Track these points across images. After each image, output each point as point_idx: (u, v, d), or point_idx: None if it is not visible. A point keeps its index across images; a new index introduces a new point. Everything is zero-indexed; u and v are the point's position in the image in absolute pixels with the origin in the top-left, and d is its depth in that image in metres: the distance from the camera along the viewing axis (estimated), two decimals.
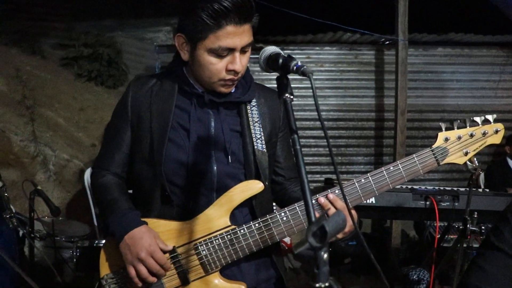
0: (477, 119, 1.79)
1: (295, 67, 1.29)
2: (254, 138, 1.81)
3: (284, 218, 1.73)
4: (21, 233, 3.30)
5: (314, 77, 1.24)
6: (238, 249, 1.73)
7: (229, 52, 1.65)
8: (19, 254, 3.27)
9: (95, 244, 3.43)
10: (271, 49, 1.42)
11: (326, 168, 6.50)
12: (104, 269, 1.82)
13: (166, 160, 1.76)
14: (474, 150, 1.79)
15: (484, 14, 6.97)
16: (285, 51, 1.48)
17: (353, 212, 1.53)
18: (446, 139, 1.77)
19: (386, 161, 6.55)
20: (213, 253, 1.74)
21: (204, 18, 1.59)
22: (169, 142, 1.77)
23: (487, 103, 6.58)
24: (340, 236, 1.65)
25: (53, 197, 5.19)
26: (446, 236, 3.77)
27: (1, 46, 6.63)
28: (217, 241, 1.74)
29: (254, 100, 1.86)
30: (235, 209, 1.77)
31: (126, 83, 6.60)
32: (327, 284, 0.81)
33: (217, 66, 1.67)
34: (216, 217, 1.75)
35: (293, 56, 1.37)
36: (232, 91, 1.81)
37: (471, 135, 1.77)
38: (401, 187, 3.31)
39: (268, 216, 1.73)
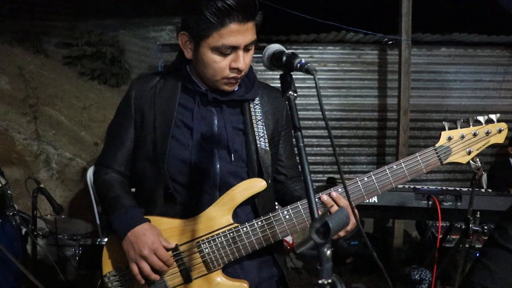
0: (481, 118, 1.79)
1: (299, 65, 1.29)
2: (257, 137, 1.82)
3: (287, 217, 1.73)
4: (23, 231, 3.31)
5: (317, 76, 1.24)
6: (241, 247, 1.73)
7: (232, 50, 1.65)
8: (22, 252, 3.27)
9: (97, 242, 3.43)
10: (274, 47, 1.42)
11: (329, 167, 6.49)
12: (107, 267, 1.82)
13: (169, 158, 1.76)
14: (477, 149, 1.79)
15: (488, 14, 6.96)
16: (288, 51, 1.47)
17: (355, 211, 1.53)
18: (449, 138, 1.77)
19: (389, 161, 6.54)
20: (215, 251, 1.74)
21: (207, 16, 1.59)
22: (172, 140, 1.77)
23: (491, 104, 6.56)
24: (342, 234, 1.66)
25: (56, 195, 5.20)
26: (448, 236, 3.76)
27: (4, 45, 6.64)
28: (219, 239, 1.74)
29: (257, 99, 1.87)
30: (237, 207, 1.77)
31: (129, 82, 6.59)
32: (330, 281, 0.81)
33: (220, 64, 1.67)
34: (218, 215, 1.75)
35: None
36: (236, 89, 1.81)
37: (474, 134, 1.77)
38: (404, 186, 3.31)
39: (270, 215, 1.74)
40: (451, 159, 1.78)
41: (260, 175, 1.80)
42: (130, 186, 1.93)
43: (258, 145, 1.81)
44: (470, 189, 3.00)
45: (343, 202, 1.69)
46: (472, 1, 7.30)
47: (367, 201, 2.75)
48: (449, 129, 1.78)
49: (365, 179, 1.73)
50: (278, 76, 1.34)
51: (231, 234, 1.73)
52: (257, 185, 1.77)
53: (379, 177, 1.74)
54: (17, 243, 2.97)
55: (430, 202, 3.13)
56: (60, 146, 5.72)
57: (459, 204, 3.13)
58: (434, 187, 3.34)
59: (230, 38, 1.62)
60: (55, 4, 7.06)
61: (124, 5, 7.23)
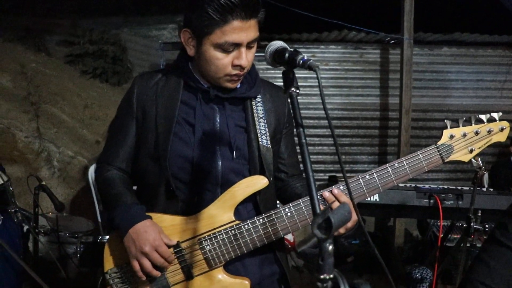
0: (483, 116, 1.79)
1: (301, 61, 1.29)
2: (259, 134, 1.82)
3: (289, 214, 1.73)
4: (25, 228, 3.31)
5: (319, 72, 1.24)
6: (242, 244, 1.73)
7: (235, 47, 1.65)
8: (23, 249, 3.28)
9: (98, 240, 3.43)
10: (277, 43, 1.42)
11: (330, 166, 6.49)
12: (108, 264, 1.82)
13: (171, 155, 1.76)
14: (479, 148, 1.79)
15: (490, 14, 6.95)
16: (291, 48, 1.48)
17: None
18: (451, 136, 1.77)
19: (390, 161, 6.53)
20: (217, 248, 1.74)
21: (210, 13, 1.59)
22: (174, 137, 1.77)
23: (492, 103, 6.56)
24: (342, 231, 1.66)
25: (57, 193, 5.20)
26: (449, 236, 3.76)
27: (7, 42, 6.65)
28: (221, 236, 1.74)
29: (259, 96, 1.87)
30: (239, 205, 1.77)
31: (131, 80, 6.59)
32: (331, 276, 0.81)
33: (223, 61, 1.67)
34: (220, 212, 1.75)
35: None
36: (238, 86, 1.81)
37: (476, 133, 1.77)
38: (405, 185, 3.31)
39: (272, 212, 1.74)
40: (452, 157, 1.77)
41: (262, 172, 1.80)
42: (131, 183, 1.93)
43: (260, 143, 1.81)
44: (472, 188, 3.00)
45: (345, 199, 1.69)
46: (474, 1, 7.29)
47: (369, 199, 2.76)
48: (451, 127, 1.78)
49: (367, 176, 1.74)
50: (280, 75, 1.34)
51: (233, 231, 1.73)
52: (258, 182, 1.77)
53: (381, 175, 1.74)
54: (18, 240, 2.97)
55: (431, 201, 3.12)
56: (62, 144, 5.72)
57: (460, 203, 3.13)
58: (435, 186, 3.34)
59: (232, 35, 1.61)
60: (57, 2, 7.07)
61: (126, 4, 7.24)
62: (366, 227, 5.81)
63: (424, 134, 6.62)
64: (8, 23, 6.83)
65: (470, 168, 6.29)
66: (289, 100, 1.30)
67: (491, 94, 6.65)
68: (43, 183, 3.36)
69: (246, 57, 1.67)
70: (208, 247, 1.74)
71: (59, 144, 5.74)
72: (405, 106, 5.74)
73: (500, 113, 1.80)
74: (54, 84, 6.26)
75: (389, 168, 1.74)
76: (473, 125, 1.78)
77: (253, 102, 1.85)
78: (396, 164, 1.74)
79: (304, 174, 1.58)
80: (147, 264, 1.68)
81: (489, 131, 1.78)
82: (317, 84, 1.15)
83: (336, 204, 1.70)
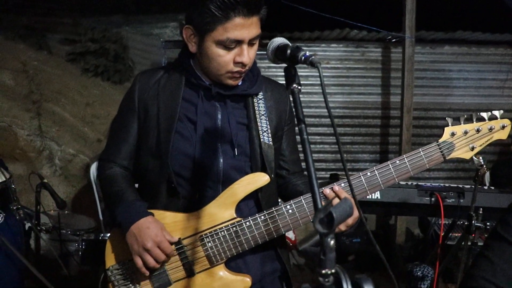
0: (484, 114, 1.79)
1: (303, 57, 1.29)
2: (260, 131, 1.82)
3: (290, 211, 1.73)
4: (27, 226, 3.32)
5: (321, 68, 1.24)
6: (244, 241, 1.74)
7: (237, 44, 1.65)
8: (25, 247, 3.29)
9: (100, 238, 3.44)
10: (279, 40, 1.43)
11: (332, 165, 6.49)
12: (110, 260, 1.83)
13: (173, 152, 1.77)
14: (481, 145, 1.79)
15: (492, 12, 6.93)
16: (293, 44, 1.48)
17: None
18: (453, 134, 1.77)
19: (391, 159, 6.53)
20: (218, 245, 1.74)
21: (212, 9, 1.59)
22: (176, 134, 1.77)
23: (494, 102, 6.55)
24: (343, 228, 1.66)
25: (59, 191, 5.20)
26: (451, 234, 3.76)
27: (8, 41, 6.65)
28: (222, 233, 1.74)
29: (261, 93, 1.87)
30: (240, 202, 1.78)
31: (132, 78, 6.59)
32: (333, 271, 0.81)
33: (224, 58, 1.67)
34: (221, 209, 1.76)
35: None
36: (239, 83, 1.81)
37: (478, 130, 1.77)
38: (406, 183, 3.32)
39: (273, 209, 1.74)
40: (454, 154, 1.78)
41: (263, 169, 1.81)
42: (133, 180, 1.93)
43: (262, 140, 1.81)
44: (473, 186, 3.00)
45: (345, 195, 1.69)
46: None
47: (370, 197, 2.76)
48: (452, 125, 1.78)
49: (368, 173, 1.74)
50: (281, 74, 1.34)
51: (234, 228, 1.74)
52: (260, 179, 1.77)
53: (382, 172, 1.74)
54: (20, 237, 2.97)
55: (433, 199, 3.12)
56: (63, 142, 5.73)
57: (461, 201, 3.12)
58: (437, 184, 3.34)
59: (234, 32, 1.62)
60: (59, 0, 7.06)
61: (127, 2, 7.23)
62: (367, 226, 5.81)
63: (425, 132, 6.61)
64: (9, 21, 6.83)
65: (471, 167, 6.29)
66: (291, 96, 1.30)
67: (492, 92, 6.64)
68: (45, 180, 3.36)
69: (247, 54, 1.67)
70: (209, 244, 1.75)
71: (61, 142, 5.74)
72: (406, 104, 5.73)
73: (502, 111, 1.80)
74: (55, 83, 6.26)
75: (390, 165, 1.74)
76: (474, 122, 1.79)
77: (254, 99, 1.85)
78: (398, 161, 1.75)
79: (305, 171, 1.59)
80: (149, 260, 1.68)
81: (491, 129, 1.78)
82: (318, 82, 1.15)
83: (336, 201, 1.70)
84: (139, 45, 7.24)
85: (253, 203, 1.85)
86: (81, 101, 6.25)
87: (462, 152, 1.78)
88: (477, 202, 2.96)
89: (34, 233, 3.38)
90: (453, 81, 6.64)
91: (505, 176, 5.37)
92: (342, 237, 5.00)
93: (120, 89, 6.71)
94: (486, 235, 2.99)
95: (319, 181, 1.12)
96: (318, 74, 1.19)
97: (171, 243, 1.73)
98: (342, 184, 1.73)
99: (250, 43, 1.68)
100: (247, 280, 1.77)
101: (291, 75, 1.29)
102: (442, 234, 3.45)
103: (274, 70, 6.00)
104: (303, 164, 1.40)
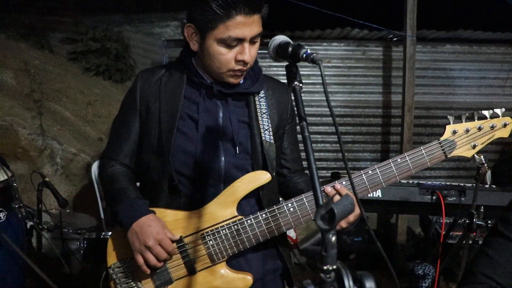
0: (485, 112, 1.79)
1: (304, 55, 1.30)
2: (262, 129, 1.82)
3: (291, 209, 1.73)
4: (28, 225, 3.32)
5: (322, 66, 1.25)
6: (245, 239, 1.74)
7: (238, 42, 1.66)
8: (27, 246, 3.29)
9: (102, 236, 3.44)
10: (280, 37, 1.43)
11: (333, 164, 6.49)
12: (112, 259, 1.83)
13: (175, 150, 1.77)
14: (482, 144, 1.79)
15: (493, 11, 6.93)
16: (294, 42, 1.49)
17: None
18: (454, 132, 1.77)
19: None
20: (219, 243, 1.75)
21: (214, 7, 1.59)
22: (178, 132, 1.78)
23: (495, 101, 6.54)
24: (344, 225, 1.66)
25: (60, 190, 5.19)
26: (452, 233, 3.76)
27: (10, 40, 6.65)
28: (224, 231, 1.74)
29: (262, 92, 1.87)
30: (242, 200, 1.78)
31: (134, 77, 6.60)
32: (334, 267, 0.82)
33: (226, 57, 1.67)
34: (223, 207, 1.76)
35: None
36: (241, 82, 1.81)
37: (479, 128, 1.77)
38: (408, 181, 3.31)
39: (275, 207, 1.74)
40: (455, 152, 1.77)
41: (265, 168, 1.81)
42: (135, 178, 1.94)
43: (263, 138, 1.81)
44: (474, 184, 3.00)
45: (347, 192, 1.69)
46: None
47: (371, 195, 2.76)
48: (454, 123, 1.78)
49: (370, 172, 1.74)
50: (283, 72, 1.34)
51: (235, 226, 1.74)
52: (261, 177, 1.77)
53: (383, 170, 1.74)
54: (22, 236, 2.98)
55: (434, 197, 3.12)
56: (65, 142, 5.73)
57: (463, 199, 3.12)
58: (438, 183, 3.34)
59: (236, 30, 1.62)
60: (60, 0, 7.07)
61: (129, 1, 7.24)
62: (369, 224, 5.81)
63: (426, 131, 6.60)
64: (11, 20, 6.84)
65: (472, 166, 6.28)
66: (292, 94, 1.30)
67: (494, 91, 6.63)
68: (47, 179, 3.37)
69: (249, 53, 1.67)
70: (211, 242, 1.75)
71: (62, 141, 5.74)
72: (407, 103, 5.73)
73: (503, 109, 1.81)
74: (57, 82, 6.27)
75: (391, 163, 1.74)
76: (476, 121, 1.78)
77: (256, 98, 1.85)
78: (399, 160, 1.75)
79: (307, 170, 1.59)
80: (151, 258, 1.68)
81: (492, 127, 1.78)
82: (320, 81, 1.15)
83: (338, 198, 1.70)
84: (140, 44, 7.24)
85: (255, 201, 1.85)
86: (83, 100, 6.25)
87: (463, 150, 1.78)
88: (478, 200, 2.95)
89: (36, 231, 3.38)
90: (454, 80, 6.63)
91: (507, 175, 5.37)
92: (343, 236, 5.00)
93: (121, 88, 6.72)
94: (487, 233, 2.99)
95: (320, 180, 1.12)
96: (319, 73, 1.19)
97: (173, 241, 1.73)
98: (344, 182, 1.73)
99: (252, 41, 1.68)
100: (249, 278, 1.78)
101: (292, 73, 1.29)
102: (443, 232, 3.44)
103: (275, 69, 5.99)
104: (304, 162, 1.41)
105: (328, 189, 1.71)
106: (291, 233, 5.15)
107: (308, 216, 1.73)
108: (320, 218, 0.80)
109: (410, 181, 3.33)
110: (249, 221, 1.74)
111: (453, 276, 4.05)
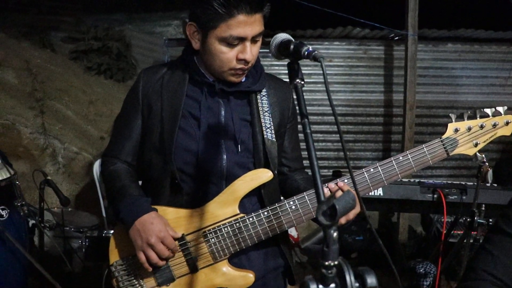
0: (488, 110, 1.79)
1: (306, 53, 1.30)
2: (263, 128, 1.82)
3: (293, 207, 1.74)
4: (31, 223, 3.33)
5: (324, 64, 1.25)
6: (247, 237, 1.74)
7: (240, 41, 1.66)
8: (29, 244, 3.30)
9: (103, 234, 3.45)
10: (282, 35, 1.43)
11: (334, 162, 6.49)
12: (114, 256, 1.83)
13: (176, 148, 1.77)
14: (484, 142, 1.79)
15: (494, 10, 6.92)
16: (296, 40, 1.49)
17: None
18: (456, 130, 1.77)
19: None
20: (221, 241, 1.75)
21: (215, 6, 1.59)
22: (180, 130, 1.78)
23: (497, 100, 6.53)
24: (343, 221, 1.66)
25: (62, 189, 5.17)
26: (453, 232, 3.75)
27: (12, 39, 6.67)
28: (225, 229, 1.75)
29: (264, 90, 1.87)
30: (244, 198, 1.78)
31: (135, 76, 6.60)
32: (336, 262, 0.82)
33: (227, 55, 1.68)
34: (225, 205, 1.76)
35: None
36: (243, 80, 1.81)
37: (481, 126, 1.77)
38: (409, 180, 3.32)
39: (277, 205, 1.74)
40: (457, 151, 1.77)
41: (267, 166, 1.81)
42: (137, 176, 1.94)
43: (265, 136, 1.82)
44: (476, 183, 2.99)
45: (348, 189, 1.69)
46: None
47: (373, 193, 2.75)
48: (456, 121, 1.78)
49: (371, 169, 1.74)
50: (284, 72, 1.34)
51: (237, 224, 1.74)
52: (263, 175, 1.77)
53: (385, 168, 1.74)
54: (25, 234, 2.98)
55: (435, 196, 3.12)
56: (67, 140, 5.73)
57: (464, 197, 3.12)
58: (439, 181, 3.34)
59: (237, 29, 1.62)
60: None
61: (130, 0, 7.25)
62: (370, 222, 5.81)
63: (428, 130, 6.60)
64: (13, 20, 6.85)
65: (474, 165, 6.28)
66: (293, 92, 1.30)
67: (495, 90, 6.62)
68: (49, 178, 3.37)
69: (250, 51, 1.68)
70: (212, 240, 1.75)
71: (64, 140, 5.75)
72: (409, 102, 5.73)
73: (506, 107, 1.81)
74: (59, 81, 6.28)
75: (393, 161, 1.74)
76: (478, 119, 1.78)
77: (258, 96, 1.85)
78: (401, 158, 1.75)
79: (308, 168, 1.59)
80: (153, 255, 1.69)
81: (494, 125, 1.78)
82: (321, 80, 1.16)
83: (339, 193, 1.70)
84: (142, 43, 7.25)
85: (256, 199, 1.86)
86: (84, 99, 6.26)
87: (465, 149, 1.78)
88: (479, 199, 2.95)
89: (38, 230, 3.38)
90: (456, 79, 6.62)
91: (508, 174, 5.38)
92: (345, 235, 5.00)
93: (123, 87, 6.73)
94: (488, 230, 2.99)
95: (322, 179, 1.12)
96: (321, 72, 1.19)
97: (175, 239, 1.73)
98: (346, 180, 1.73)
99: (253, 40, 1.68)
100: (250, 276, 1.78)
101: (294, 70, 1.30)
102: (445, 231, 3.44)
103: (277, 68, 5.99)
104: (306, 160, 1.41)
105: (332, 185, 1.71)
106: (293, 232, 5.15)
107: (310, 214, 1.73)
108: (321, 214, 0.81)
109: (411, 180, 3.33)
110: (251, 219, 1.74)
111: (455, 274, 4.05)
